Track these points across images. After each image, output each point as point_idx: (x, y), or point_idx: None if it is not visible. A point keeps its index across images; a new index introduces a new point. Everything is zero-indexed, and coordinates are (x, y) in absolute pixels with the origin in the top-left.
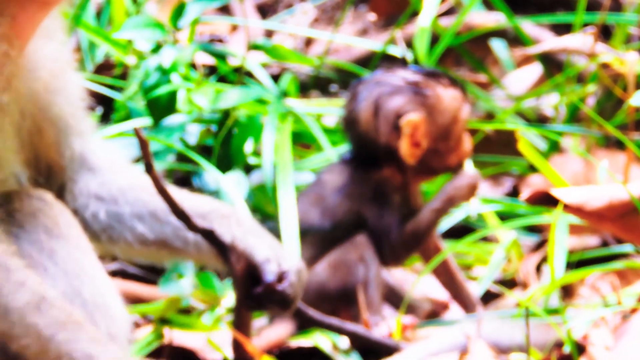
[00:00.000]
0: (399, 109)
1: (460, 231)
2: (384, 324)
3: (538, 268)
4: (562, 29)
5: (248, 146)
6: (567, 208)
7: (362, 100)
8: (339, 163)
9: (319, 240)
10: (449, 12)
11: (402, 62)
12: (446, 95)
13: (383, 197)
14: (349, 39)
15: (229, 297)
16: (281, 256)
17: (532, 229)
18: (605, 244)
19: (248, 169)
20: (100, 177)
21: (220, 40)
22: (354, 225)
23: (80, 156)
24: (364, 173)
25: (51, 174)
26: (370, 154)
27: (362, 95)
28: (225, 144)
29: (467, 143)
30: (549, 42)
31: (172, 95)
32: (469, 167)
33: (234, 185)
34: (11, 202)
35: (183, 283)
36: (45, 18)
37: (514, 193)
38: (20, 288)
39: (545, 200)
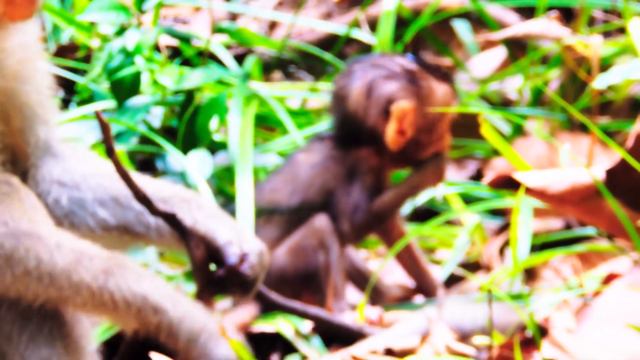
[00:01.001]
0: (391, 94)
1: (424, 214)
2: (348, 310)
3: (502, 251)
4: (525, 11)
5: (213, 125)
6: (530, 191)
7: (357, 79)
8: (316, 141)
9: (285, 221)
10: None
11: (365, 46)
12: (439, 89)
13: (356, 176)
14: (312, 22)
15: None
16: (243, 238)
17: (496, 212)
18: (568, 227)
19: (213, 150)
20: (63, 164)
21: (185, 23)
22: (321, 205)
23: (44, 143)
24: (341, 151)
25: (15, 159)
26: (352, 133)
27: (356, 75)
28: (190, 125)
29: (447, 140)
30: (513, 27)
31: (135, 77)
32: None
33: (198, 166)
34: None
35: (149, 250)
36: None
37: (478, 176)
38: (58, 251)
39: (508, 183)
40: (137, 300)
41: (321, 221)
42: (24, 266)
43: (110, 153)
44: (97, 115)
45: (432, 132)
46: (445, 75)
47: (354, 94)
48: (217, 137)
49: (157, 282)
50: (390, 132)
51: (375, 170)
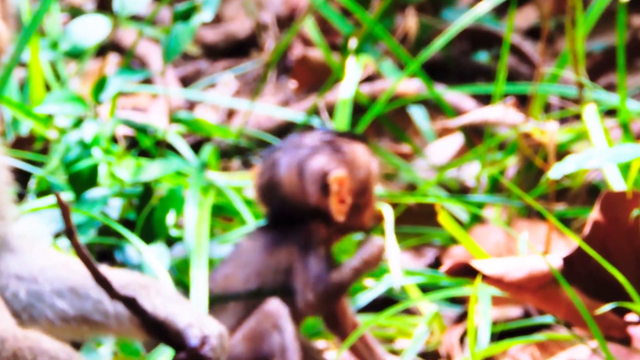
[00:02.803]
0: (323, 167)
1: (381, 303)
2: None
3: (462, 339)
4: (483, 98)
5: (170, 218)
6: (487, 279)
7: (283, 166)
8: (258, 229)
9: (240, 308)
10: (369, 78)
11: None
12: (359, 151)
13: (309, 250)
14: (270, 109)
15: None
16: (203, 322)
17: (455, 300)
18: (527, 315)
19: (170, 242)
20: (21, 257)
21: (143, 112)
22: (279, 285)
23: (1, 239)
24: (288, 231)
25: None
26: (294, 214)
27: (282, 161)
28: (148, 217)
29: (376, 200)
30: (470, 114)
31: (93, 170)
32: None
33: (156, 257)
34: None
35: (102, 351)
36: None
37: (437, 264)
38: None
39: (466, 271)
40: None
41: (273, 304)
42: None
43: (70, 235)
44: (57, 198)
45: (365, 194)
46: (359, 137)
47: (286, 180)
48: (174, 232)
49: None
50: (334, 204)
51: (325, 241)
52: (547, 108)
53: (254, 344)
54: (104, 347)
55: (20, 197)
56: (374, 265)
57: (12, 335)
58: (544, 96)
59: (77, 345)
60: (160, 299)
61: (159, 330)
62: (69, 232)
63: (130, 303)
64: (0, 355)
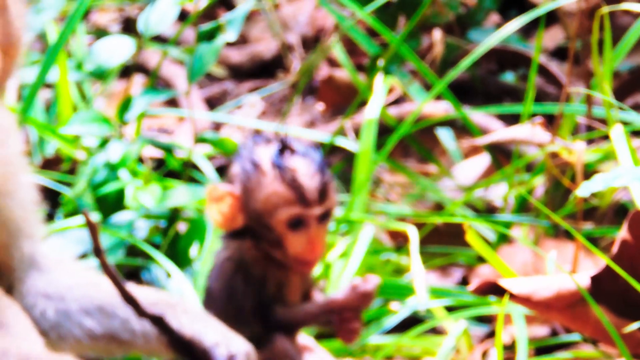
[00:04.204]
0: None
1: (408, 323)
2: None
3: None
4: (509, 118)
5: (194, 249)
6: (515, 298)
7: None
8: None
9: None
10: (396, 101)
11: (349, 153)
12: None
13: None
14: (296, 130)
15: None
16: (230, 340)
17: (482, 319)
18: (554, 333)
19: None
20: (48, 276)
21: (169, 134)
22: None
23: (29, 258)
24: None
25: (0, 273)
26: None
27: None
28: (173, 245)
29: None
30: (497, 133)
31: (120, 193)
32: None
33: (183, 278)
34: None
35: None
36: None
37: (464, 284)
38: (4, 357)
39: (493, 290)
40: None
41: (281, 342)
42: None
43: (97, 253)
44: (86, 217)
45: (264, 222)
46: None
47: None
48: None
49: None
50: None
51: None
52: (576, 128)
53: None
54: None
55: (49, 216)
56: (338, 314)
57: (38, 356)
58: (572, 116)
59: None
60: (187, 318)
61: (186, 349)
62: (97, 250)
63: (158, 321)
64: None
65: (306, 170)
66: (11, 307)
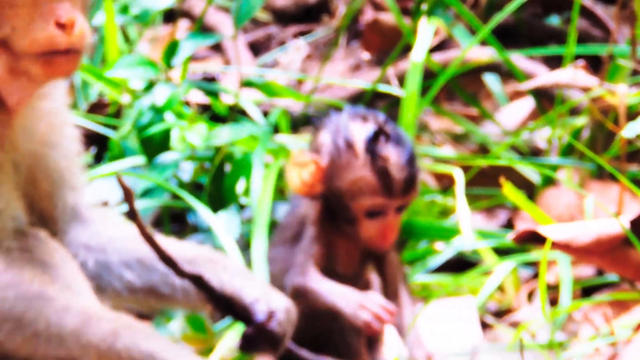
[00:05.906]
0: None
1: (452, 265)
2: None
3: (530, 297)
4: (553, 61)
5: (240, 186)
6: (555, 245)
7: None
8: None
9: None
10: (440, 46)
11: (394, 99)
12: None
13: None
14: (338, 79)
15: (222, 341)
16: (270, 296)
17: (527, 262)
18: (600, 273)
19: (242, 206)
20: (90, 228)
21: (213, 78)
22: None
23: (72, 209)
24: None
25: (43, 223)
26: None
27: None
28: (218, 183)
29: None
30: (541, 77)
31: (165, 134)
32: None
33: (225, 225)
34: (7, 240)
35: (171, 327)
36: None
37: (509, 225)
38: (66, 313)
39: (533, 238)
40: (145, 359)
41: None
42: (34, 328)
43: (133, 216)
44: (119, 180)
45: (339, 195)
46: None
47: None
48: (244, 200)
49: (163, 342)
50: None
51: (324, 232)
52: (620, 71)
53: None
54: (174, 322)
55: (96, 159)
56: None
57: (98, 314)
58: (614, 58)
59: (145, 318)
60: (227, 274)
61: (226, 306)
62: (131, 213)
63: (198, 280)
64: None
65: (397, 160)
66: (58, 249)
